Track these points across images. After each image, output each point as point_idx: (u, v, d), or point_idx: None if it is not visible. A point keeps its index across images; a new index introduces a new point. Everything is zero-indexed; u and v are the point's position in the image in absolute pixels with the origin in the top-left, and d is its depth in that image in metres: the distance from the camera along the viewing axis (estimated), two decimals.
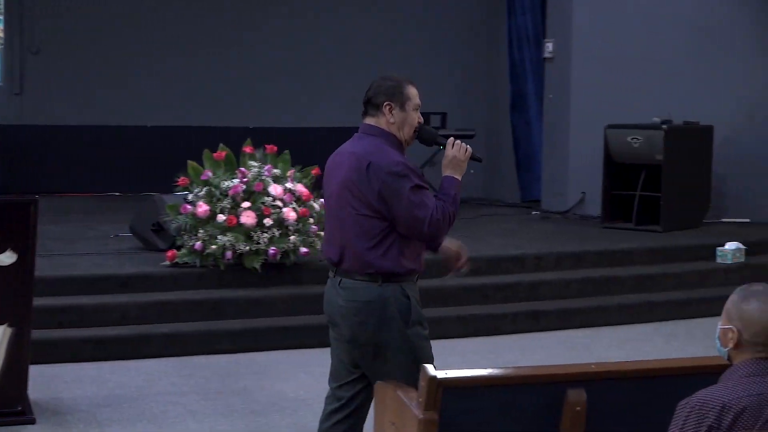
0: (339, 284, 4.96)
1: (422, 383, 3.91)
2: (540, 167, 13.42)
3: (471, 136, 13.74)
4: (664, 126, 11.34)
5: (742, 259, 10.44)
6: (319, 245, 9.04)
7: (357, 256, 4.85)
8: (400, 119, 4.91)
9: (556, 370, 4.20)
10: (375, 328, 4.85)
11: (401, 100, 4.90)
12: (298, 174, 9.19)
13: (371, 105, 4.97)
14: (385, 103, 4.90)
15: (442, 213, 4.82)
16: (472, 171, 15.01)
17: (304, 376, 7.76)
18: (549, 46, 13.01)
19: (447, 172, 4.98)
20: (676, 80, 12.07)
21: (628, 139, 11.39)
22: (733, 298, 3.63)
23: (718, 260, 10.46)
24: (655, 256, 10.49)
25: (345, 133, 15.86)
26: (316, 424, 6.73)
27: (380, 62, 14.45)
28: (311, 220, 8.97)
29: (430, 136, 5.09)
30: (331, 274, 5.06)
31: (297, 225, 8.87)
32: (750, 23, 12.02)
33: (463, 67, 14.77)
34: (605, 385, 4.08)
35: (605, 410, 4.06)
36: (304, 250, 8.88)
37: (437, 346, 8.67)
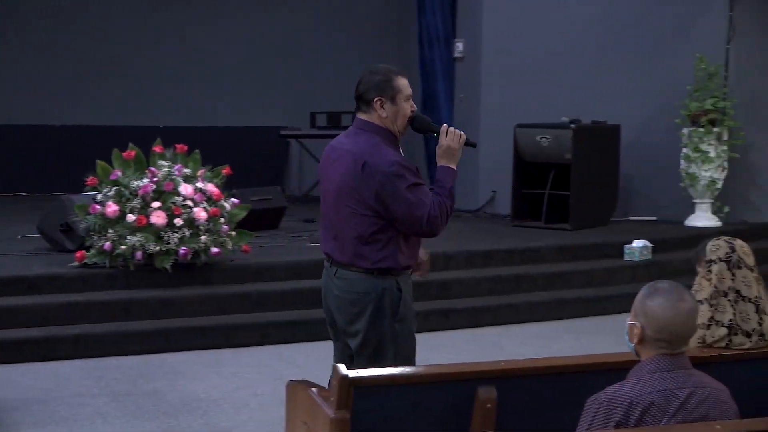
0: (335, 274, 4.99)
1: (334, 382, 3.91)
2: None
3: None
4: (573, 125, 11.46)
5: (649, 257, 10.59)
6: (230, 245, 9.01)
7: (354, 252, 4.88)
8: (392, 112, 4.92)
9: (466, 368, 4.22)
10: (368, 318, 4.91)
11: (391, 94, 4.91)
12: (208, 174, 9.14)
13: (362, 101, 5.00)
14: (375, 99, 4.92)
15: (439, 208, 4.85)
16: None
17: (215, 377, 7.72)
18: (459, 46, 13.09)
19: (442, 162, 4.98)
20: (584, 80, 12.22)
21: (538, 138, 11.50)
22: (640, 295, 3.69)
23: (626, 258, 10.60)
24: (564, 254, 10.60)
25: (256, 132, 15.87)
26: (227, 425, 6.73)
27: (290, 61, 14.46)
28: (222, 220, 8.92)
29: (423, 125, 5.06)
30: (326, 264, 5.08)
31: (208, 225, 8.81)
32: (655, 24, 12.19)
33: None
34: (515, 382, 4.11)
35: (515, 407, 4.09)
36: (215, 250, 8.83)
37: None
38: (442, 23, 13.67)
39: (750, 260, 4.41)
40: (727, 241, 4.45)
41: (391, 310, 4.94)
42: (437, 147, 4.99)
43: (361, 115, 5.01)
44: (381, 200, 4.79)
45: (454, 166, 4.98)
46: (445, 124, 4.99)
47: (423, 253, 5.26)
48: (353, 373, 3.89)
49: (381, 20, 14.90)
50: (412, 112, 4.96)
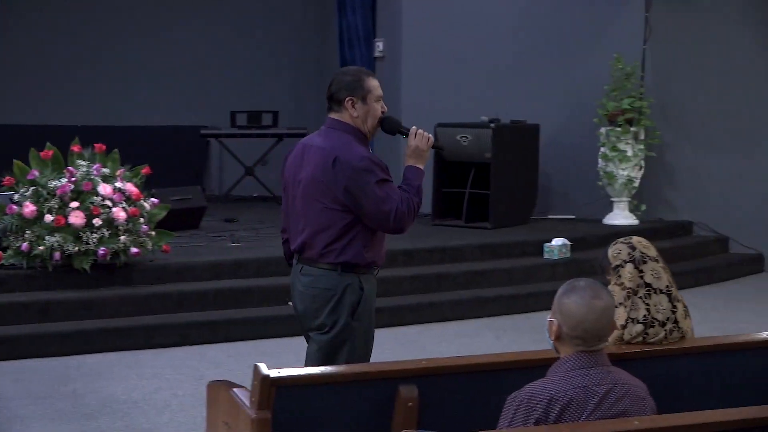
0: (300, 271, 5.08)
1: (255, 382, 3.90)
2: None
3: (303, 134, 13.77)
4: (492, 125, 11.53)
5: (568, 255, 10.69)
6: (150, 245, 8.94)
7: (320, 246, 4.97)
8: (363, 112, 5.04)
9: (387, 366, 4.23)
10: (328, 314, 5.00)
11: (362, 94, 5.02)
12: (127, 173, 9.07)
13: (334, 101, 5.08)
14: (347, 99, 5.02)
15: (407, 205, 4.98)
16: None
17: (136, 378, 7.66)
18: (379, 45, 13.11)
19: (410, 162, 5.14)
20: (504, 79, 12.30)
21: (458, 137, 11.54)
22: (558, 293, 3.74)
23: (545, 256, 10.69)
24: (485, 253, 10.66)
25: (175, 132, 15.70)
26: (148, 426, 6.68)
27: (211, 60, 14.38)
28: (141, 220, 8.85)
29: (392, 126, 5.19)
30: (294, 261, 5.18)
31: (127, 225, 8.74)
32: (573, 24, 12.31)
33: (294, 65, 14.76)
34: (437, 380, 4.14)
35: (437, 405, 4.11)
36: (134, 250, 8.76)
37: (272, 345, 8.71)
38: (362, 22, 13.68)
39: (651, 252, 4.50)
40: (624, 243, 4.54)
41: (351, 308, 5.01)
42: (406, 147, 5.16)
43: (333, 115, 5.10)
44: (351, 194, 4.89)
45: (421, 166, 5.14)
46: (414, 127, 5.15)
47: None
48: (274, 373, 3.89)
49: (301, 19, 14.86)
50: (382, 113, 5.10)
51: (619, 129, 11.66)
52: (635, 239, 4.55)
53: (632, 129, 11.71)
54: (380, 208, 4.92)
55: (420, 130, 5.13)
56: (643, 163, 11.87)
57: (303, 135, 13.69)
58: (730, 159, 12.20)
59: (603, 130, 11.75)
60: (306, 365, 5.07)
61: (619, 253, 4.50)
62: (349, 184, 4.89)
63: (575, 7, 12.34)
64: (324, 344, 5.05)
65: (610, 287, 4.48)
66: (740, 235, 12.21)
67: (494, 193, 11.46)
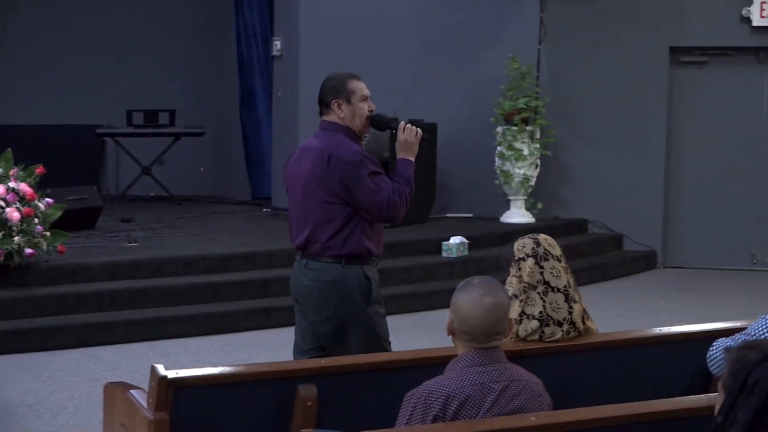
0: (305, 266, 5.37)
1: (152, 383, 3.87)
2: (270, 164, 13.47)
3: (200, 134, 13.68)
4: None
5: (466, 253, 10.76)
6: (45, 246, 8.81)
7: (323, 240, 5.26)
8: (350, 112, 5.35)
9: (286, 366, 4.24)
10: (337, 306, 5.26)
11: (346, 96, 5.34)
12: (21, 173, 8.92)
13: (323, 104, 5.42)
14: (333, 101, 5.36)
15: (399, 195, 5.28)
16: (201, 169, 14.93)
17: (31, 381, 7.54)
18: (277, 44, 13.08)
19: (401, 155, 5.44)
20: (401, 79, 12.34)
21: None
22: (456, 289, 3.78)
23: (444, 254, 10.75)
24: (383, 251, 10.66)
25: (71, 131, 15.43)
26: (44, 430, 6.58)
27: (106, 59, 14.21)
28: (36, 220, 8.72)
29: (381, 122, 5.47)
30: (297, 257, 5.47)
31: (21, 225, 8.59)
32: (471, 23, 12.40)
33: (191, 64, 14.65)
34: (336, 379, 4.14)
35: (336, 404, 4.12)
36: (29, 251, 8.62)
37: (167, 345, 8.64)
38: (259, 21, 13.64)
39: (556, 251, 4.54)
40: (531, 238, 4.58)
41: (362, 297, 5.30)
42: (396, 142, 5.45)
43: (324, 117, 5.43)
44: (346, 187, 5.19)
45: (411, 158, 5.44)
46: (403, 121, 5.45)
47: None
48: (172, 374, 3.86)
49: (198, 18, 14.75)
50: (370, 111, 5.39)
51: (515, 128, 11.79)
52: (542, 236, 4.60)
53: (528, 128, 11.84)
54: (374, 199, 5.21)
55: (408, 125, 5.41)
56: (539, 161, 12.01)
57: (200, 135, 13.66)
58: (624, 157, 12.39)
59: (499, 129, 11.86)
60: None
61: (523, 246, 4.55)
62: (344, 178, 5.18)
63: (471, 7, 12.43)
64: (335, 336, 5.30)
65: (508, 279, 4.53)
66: (634, 233, 12.41)
67: None
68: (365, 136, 5.53)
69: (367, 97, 5.40)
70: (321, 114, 5.45)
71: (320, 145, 5.32)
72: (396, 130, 5.43)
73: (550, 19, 12.41)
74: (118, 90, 14.05)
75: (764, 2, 12.00)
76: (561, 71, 12.49)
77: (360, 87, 5.39)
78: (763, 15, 12.02)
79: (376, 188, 5.23)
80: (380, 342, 5.35)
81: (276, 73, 13.30)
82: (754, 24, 12.06)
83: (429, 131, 11.97)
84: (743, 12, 12.07)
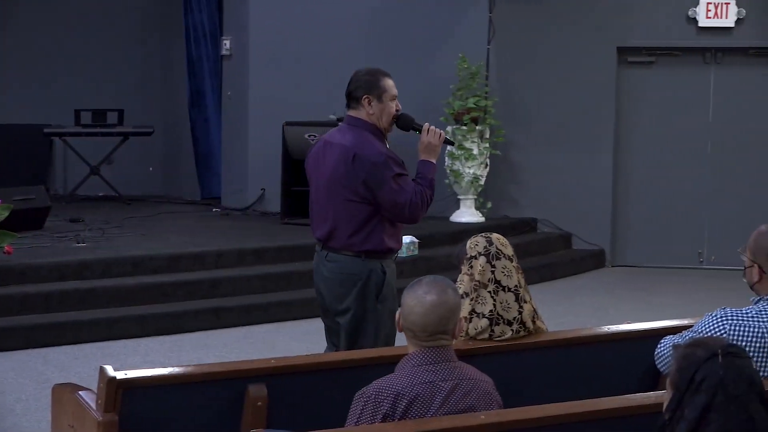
0: (326, 257, 5.48)
1: (101, 384, 3.85)
2: (220, 164, 13.43)
3: (149, 133, 13.61)
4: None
5: (416, 253, 10.76)
6: None
7: (344, 237, 5.37)
8: (379, 110, 5.41)
9: (236, 366, 4.23)
10: (355, 298, 5.36)
11: (378, 93, 5.40)
12: None
13: (352, 98, 5.47)
14: (363, 97, 5.40)
15: (420, 197, 5.33)
16: (151, 168, 14.83)
17: None
18: (226, 44, 13.03)
19: (423, 157, 5.48)
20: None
21: (306, 136, 11.55)
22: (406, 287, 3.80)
23: None
24: None
25: (17, 130, 15.24)
26: None
27: (54, 57, 14.09)
28: None
29: (406, 123, 5.51)
30: (318, 248, 5.58)
31: None
32: (421, 23, 12.43)
33: (140, 63, 14.57)
34: (286, 379, 4.14)
35: (286, 404, 4.11)
36: None
37: (116, 346, 8.58)
38: (208, 20, 13.59)
39: (508, 250, 4.56)
40: (484, 236, 4.61)
41: (376, 291, 5.36)
42: (419, 143, 5.49)
43: (351, 112, 5.48)
44: (369, 188, 5.28)
45: (434, 161, 5.47)
46: (426, 123, 5.47)
47: None
48: (121, 375, 3.85)
49: (146, 16, 14.67)
50: (397, 111, 5.44)
51: (465, 128, 11.82)
52: (495, 236, 4.62)
53: (478, 128, 11.88)
54: (396, 201, 5.28)
55: (432, 127, 5.44)
56: (488, 161, 12.06)
57: (149, 134, 13.58)
58: (573, 157, 12.46)
59: (449, 128, 11.88)
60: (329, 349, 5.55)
61: (476, 245, 4.56)
62: (368, 178, 5.27)
63: (421, 7, 12.46)
64: (349, 327, 5.38)
65: (459, 276, 4.54)
66: (582, 232, 12.49)
67: None
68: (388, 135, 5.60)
69: (395, 97, 5.46)
70: (347, 107, 5.51)
71: (345, 143, 5.39)
72: (420, 131, 5.48)
73: (498, 19, 12.46)
74: (66, 89, 13.94)
75: (710, 3, 12.12)
76: (510, 71, 12.55)
77: (391, 85, 5.46)
78: (708, 15, 12.14)
79: (399, 190, 5.29)
80: (385, 342, 5.39)
81: (225, 73, 13.26)
82: (701, 24, 12.17)
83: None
84: (689, 12, 12.18)
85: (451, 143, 5.65)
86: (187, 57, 13.72)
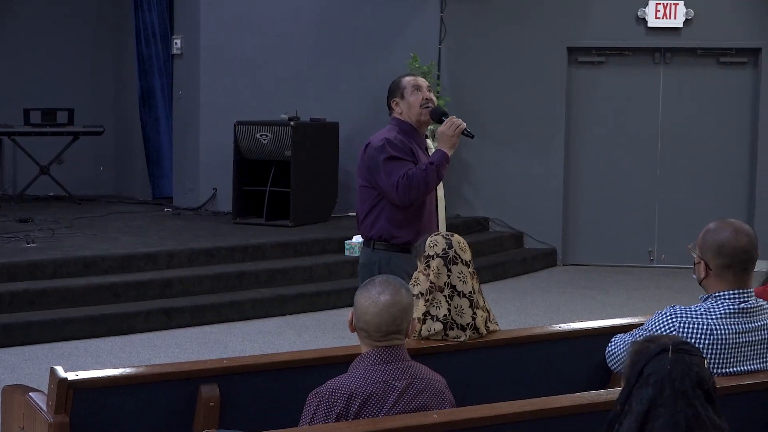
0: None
1: (51, 386, 3.82)
2: (171, 164, 13.37)
3: (100, 133, 13.52)
4: (292, 123, 11.55)
5: None
6: None
7: (360, 219, 5.70)
8: (405, 107, 5.70)
9: (188, 366, 4.20)
10: None
11: (400, 93, 5.71)
12: None
13: (389, 108, 5.79)
14: (392, 101, 5.75)
15: (410, 178, 5.47)
16: (101, 168, 14.73)
17: None
18: (177, 43, 12.98)
19: (438, 145, 5.65)
20: (303, 77, 12.34)
21: (257, 135, 11.53)
22: (359, 287, 3.80)
23: (346, 253, 10.76)
24: (286, 251, 10.68)
25: None
26: None
27: (2, 56, 13.95)
28: None
29: (435, 114, 5.72)
30: None
31: None
32: (372, 22, 12.44)
33: (90, 62, 14.46)
34: (238, 379, 4.13)
35: (239, 404, 4.10)
36: None
37: (67, 347, 8.53)
38: (158, 19, 13.52)
39: (466, 255, 4.55)
40: (445, 237, 4.58)
41: None
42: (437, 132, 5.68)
43: (392, 115, 5.78)
44: (370, 171, 5.59)
45: (446, 150, 5.59)
46: (452, 116, 5.67)
47: None
48: (72, 376, 3.82)
49: (97, 16, 14.55)
50: (426, 99, 5.68)
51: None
52: (456, 239, 4.59)
53: (430, 127, 11.86)
54: (387, 181, 5.49)
55: (454, 118, 5.62)
56: None
57: (100, 133, 13.50)
58: (524, 156, 12.52)
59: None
60: None
61: (435, 245, 4.55)
62: (369, 162, 5.59)
63: (372, 6, 12.47)
64: None
65: (415, 273, 4.55)
66: (534, 231, 12.55)
67: (295, 191, 11.49)
68: (429, 128, 5.91)
69: (419, 87, 5.68)
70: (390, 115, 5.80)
71: (369, 139, 5.73)
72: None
73: (450, 18, 12.50)
74: (15, 88, 13.82)
75: (659, 3, 12.22)
76: (461, 70, 12.59)
77: (409, 81, 5.72)
78: (657, 16, 12.24)
79: (389, 172, 5.49)
80: None
81: (176, 72, 13.20)
82: (650, 25, 12.27)
83: (331, 130, 12.09)
84: (639, 13, 12.27)
85: (470, 136, 5.77)
86: (137, 56, 13.65)
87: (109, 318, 8.95)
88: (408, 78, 5.78)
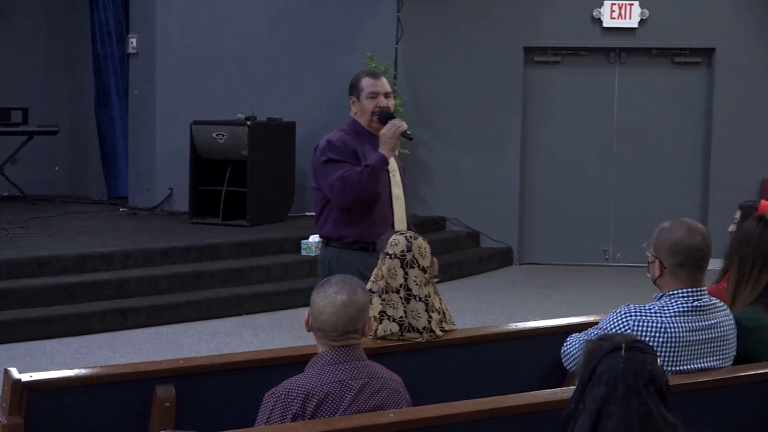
0: None
1: (5, 387, 3.80)
2: (126, 164, 13.31)
3: (54, 132, 13.43)
4: (249, 122, 11.52)
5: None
6: None
7: (315, 220, 5.70)
8: (359, 109, 5.63)
9: (144, 367, 4.19)
10: None
11: (357, 93, 5.62)
12: None
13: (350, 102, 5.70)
14: (349, 98, 5.67)
15: (343, 181, 5.44)
16: (57, 168, 14.61)
17: None
18: (132, 42, 12.91)
19: (379, 148, 5.54)
20: (260, 77, 12.32)
21: (214, 135, 11.50)
22: (315, 287, 3.79)
23: (303, 252, 10.75)
24: (242, 250, 10.65)
25: None
26: None
27: None
28: None
29: (382, 118, 5.59)
30: None
31: None
32: (329, 22, 12.43)
33: (45, 61, 14.36)
34: (194, 379, 4.12)
35: (195, 404, 4.09)
36: None
37: (22, 348, 8.46)
38: (114, 18, 13.45)
39: (424, 261, 4.54)
40: (407, 239, 4.57)
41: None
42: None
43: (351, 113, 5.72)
44: (315, 173, 5.62)
45: (384, 152, 5.49)
46: (396, 119, 5.56)
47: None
48: (26, 377, 3.80)
49: (52, 15, 14.44)
50: (378, 107, 5.56)
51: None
52: (417, 242, 4.56)
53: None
54: (325, 183, 5.51)
55: (396, 121, 5.53)
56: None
57: (55, 133, 13.40)
58: (481, 156, 12.56)
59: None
60: None
61: (396, 244, 4.54)
62: (314, 164, 5.62)
63: (329, 6, 12.47)
64: None
65: (375, 270, 4.55)
66: (490, 230, 12.59)
67: (251, 191, 11.47)
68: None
69: (376, 94, 5.57)
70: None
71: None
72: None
73: (407, 18, 12.51)
74: None
75: (614, 3, 12.29)
76: (418, 70, 12.61)
77: (368, 84, 5.60)
78: (613, 16, 12.32)
79: (326, 174, 5.48)
80: None
81: (132, 71, 13.14)
82: (605, 25, 12.35)
83: (287, 129, 12.08)
84: (594, 13, 12.34)
85: (409, 138, 5.66)
86: (93, 56, 13.57)
87: (65, 318, 8.90)
88: (368, 81, 5.63)
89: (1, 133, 13.15)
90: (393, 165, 5.66)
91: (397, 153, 5.65)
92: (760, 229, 4.51)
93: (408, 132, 5.56)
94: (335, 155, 5.51)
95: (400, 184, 5.74)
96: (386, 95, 5.64)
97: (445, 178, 12.66)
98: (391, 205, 5.69)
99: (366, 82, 5.62)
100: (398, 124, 5.51)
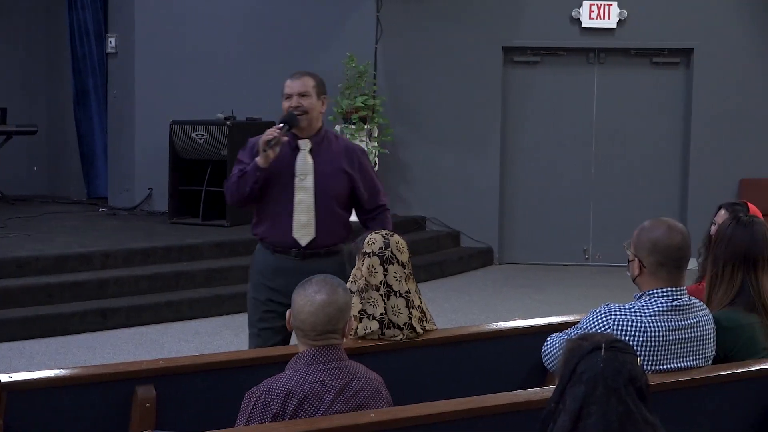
0: None
1: None
2: (106, 163, 13.27)
3: (33, 132, 13.39)
4: (228, 122, 11.51)
5: None
6: None
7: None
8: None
9: (124, 367, 4.18)
10: None
11: (282, 94, 5.54)
12: None
13: None
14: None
15: (227, 180, 5.60)
16: (35, 168, 14.58)
17: None
18: (111, 41, 12.88)
19: None
20: (239, 76, 12.31)
21: (193, 135, 11.48)
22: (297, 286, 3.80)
23: None
24: (223, 250, 10.64)
25: None
26: None
27: None
28: None
29: (282, 121, 5.45)
30: None
31: None
32: (308, 21, 12.43)
33: (23, 61, 14.31)
34: (175, 379, 4.11)
35: (176, 405, 4.09)
36: None
37: (1, 348, 8.43)
38: (92, 18, 13.40)
39: (403, 257, 4.55)
40: (383, 236, 4.58)
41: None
42: None
43: None
44: None
45: (257, 159, 5.39)
46: (294, 122, 5.44)
47: None
48: (5, 378, 3.79)
49: (30, 14, 14.40)
50: (290, 107, 5.46)
51: (353, 126, 11.86)
52: (394, 239, 4.58)
53: (366, 126, 11.92)
54: None
55: (269, 129, 5.39)
56: (377, 159, 12.10)
57: (33, 133, 13.36)
58: (461, 156, 12.58)
59: (338, 127, 11.90)
60: None
61: (373, 243, 4.55)
62: None
63: (309, 5, 12.47)
64: None
65: (354, 270, 4.55)
66: (470, 230, 12.61)
67: None
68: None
69: (289, 96, 5.47)
70: None
71: None
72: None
73: (386, 18, 12.52)
74: None
75: (593, 4, 12.33)
76: (398, 70, 12.62)
77: (286, 85, 5.52)
78: (592, 16, 12.36)
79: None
80: (250, 328, 5.71)
81: (111, 71, 13.10)
82: (584, 25, 12.39)
83: (266, 130, 12.00)
84: (573, 13, 12.38)
85: (275, 144, 5.34)
86: (71, 55, 13.53)
87: (44, 319, 8.87)
88: (288, 81, 5.52)
89: None
90: (303, 169, 5.46)
91: (270, 160, 5.35)
92: (732, 229, 4.54)
93: (272, 141, 5.30)
94: (241, 156, 5.58)
95: (310, 189, 5.46)
96: (301, 95, 5.46)
97: (424, 177, 12.67)
98: (292, 209, 5.48)
99: (286, 84, 5.51)
100: (267, 132, 5.35)
